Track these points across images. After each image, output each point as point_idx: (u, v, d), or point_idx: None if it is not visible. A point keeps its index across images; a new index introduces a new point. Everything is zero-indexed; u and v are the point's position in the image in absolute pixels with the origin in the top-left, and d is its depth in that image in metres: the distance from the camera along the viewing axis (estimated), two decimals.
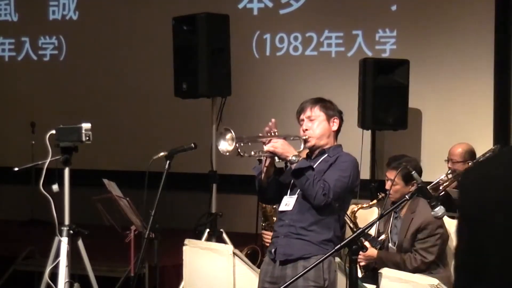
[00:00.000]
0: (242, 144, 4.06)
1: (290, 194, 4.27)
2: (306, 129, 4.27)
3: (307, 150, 4.37)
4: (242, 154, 4.05)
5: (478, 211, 1.87)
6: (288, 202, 4.25)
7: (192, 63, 6.80)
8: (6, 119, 9.95)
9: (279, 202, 4.34)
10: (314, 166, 4.20)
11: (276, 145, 4.11)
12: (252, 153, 4.11)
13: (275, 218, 5.58)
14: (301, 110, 4.33)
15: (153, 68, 9.01)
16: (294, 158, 4.09)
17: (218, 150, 4.17)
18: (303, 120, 4.30)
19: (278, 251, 4.22)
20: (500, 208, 1.83)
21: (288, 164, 4.17)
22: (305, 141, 4.27)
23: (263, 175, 4.24)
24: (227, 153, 4.05)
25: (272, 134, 4.16)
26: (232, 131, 4.02)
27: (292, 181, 4.21)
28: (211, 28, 6.83)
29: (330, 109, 4.31)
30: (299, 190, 4.18)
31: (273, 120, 4.19)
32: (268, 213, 5.69)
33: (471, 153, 6.54)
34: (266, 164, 4.21)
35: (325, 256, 3.74)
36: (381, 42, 8.36)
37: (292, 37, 8.70)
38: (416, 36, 8.18)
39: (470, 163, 6.48)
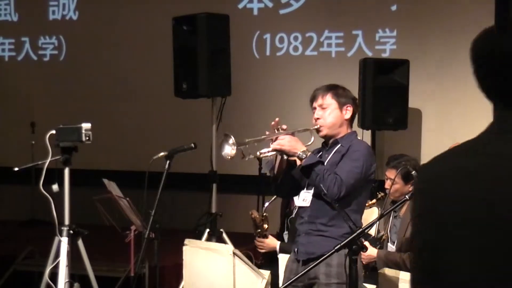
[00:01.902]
0: (247, 146, 4.03)
1: (307, 189, 4.20)
2: (318, 118, 4.19)
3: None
4: (246, 156, 4.01)
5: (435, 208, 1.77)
6: (305, 198, 4.19)
7: (192, 63, 6.80)
8: (6, 119, 9.95)
9: (295, 195, 4.29)
10: (329, 158, 4.15)
11: (283, 142, 4.05)
12: (258, 153, 4.06)
13: (265, 226, 5.60)
14: (313, 98, 4.24)
15: (153, 68, 9.00)
16: (302, 154, 4.04)
17: (218, 150, 4.17)
18: (315, 108, 4.21)
19: (300, 250, 4.20)
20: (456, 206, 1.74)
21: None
22: (317, 130, 4.20)
23: (275, 170, 4.20)
24: (229, 157, 4.01)
25: (280, 130, 4.10)
26: (232, 137, 3.99)
27: None
28: (211, 28, 6.83)
29: (342, 96, 4.20)
30: None
31: (276, 119, 4.13)
32: (258, 222, 5.69)
33: None
34: (277, 161, 4.16)
35: (324, 257, 3.72)
36: (381, 42, 8.36)
37: (292, 37, 8.70)
38: (416, 36, 8.18)
39: None
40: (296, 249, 4.24)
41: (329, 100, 4.18)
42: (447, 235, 1.70)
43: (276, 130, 4.12)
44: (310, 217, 4.16)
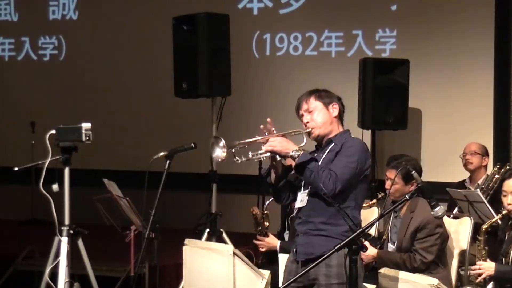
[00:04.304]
0: (238, 149, 4.01)
1: (303, 189, 4.18)
2: (307, 122, 4.19)
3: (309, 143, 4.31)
4: (238, 159, 4.00)
5: None
6: (302, 198, 4.17)
7: (192, 63, 6.80)
8: (6, 119, 9.95)
9: (294, 200, 4.26)
10: (323, 157, 4.13)
11: (274, 143, 4.04)
12: (250, 155, 4.03)
13: (266, 223, 5.59)
14: (298, 106, 4.26)
15: (153, 68, 9.01)
16: (295, 153, 4.02)
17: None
18: (302, 115, 4.22)
19: (298, 250, 4.17)
20: None
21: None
22: (309, 134, 4.18)
23: (272, 176, 4.18)
24: (220, 160, 4.00)
25: (270, 133, 4.09)
26: (222, 140, 3.97)
27: None
28: (211, 28, 6.83)
29: (325, 97, 4.23)
30: None
31: (268, 119, 4.11)
32: (259, 219, 5.68)
33: (486, 150, 6.61)
34: (272, 164, 4.14)
35: (324, 258, 3.71)
36: (381, 42, 8.36)
37: (292, 37, 8.70)
38: (416, 36, 8.18)
39: (486, 159, 6.53)
40: (295, 250, 4.21)
41: (313, 103, 4.20)
42: None
43: (266, 133, 4.11)
44: (307, 216, 4.14)
